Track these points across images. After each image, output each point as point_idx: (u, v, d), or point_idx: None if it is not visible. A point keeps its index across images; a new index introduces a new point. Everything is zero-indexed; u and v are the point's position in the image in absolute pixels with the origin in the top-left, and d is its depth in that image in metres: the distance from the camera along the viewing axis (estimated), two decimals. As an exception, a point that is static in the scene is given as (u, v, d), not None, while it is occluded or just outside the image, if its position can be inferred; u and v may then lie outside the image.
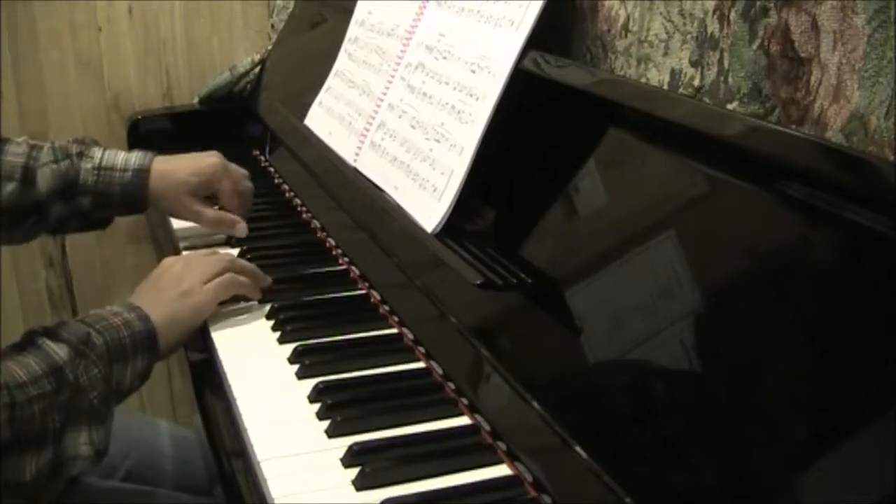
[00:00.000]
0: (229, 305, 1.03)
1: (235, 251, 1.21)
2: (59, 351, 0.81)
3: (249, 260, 1.16)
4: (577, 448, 0.70)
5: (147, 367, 0.90)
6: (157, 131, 1.81)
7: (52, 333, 0.84)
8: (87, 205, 1.19)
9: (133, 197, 1.20)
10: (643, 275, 0.75)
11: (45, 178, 1.16)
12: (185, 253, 1.18)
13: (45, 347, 0.82)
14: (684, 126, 0.76)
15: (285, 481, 0.74)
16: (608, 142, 0.87)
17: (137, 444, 1.19)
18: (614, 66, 1.00)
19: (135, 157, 1.20)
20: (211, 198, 1.26)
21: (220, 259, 1.04)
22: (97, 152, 1.20)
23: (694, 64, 0.88)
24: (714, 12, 0.85)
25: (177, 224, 1.31)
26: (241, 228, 1.23)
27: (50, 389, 0.78)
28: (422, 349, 0.93)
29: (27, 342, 0.83)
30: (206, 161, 1.25)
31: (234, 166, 1.27)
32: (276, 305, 1.03)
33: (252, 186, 1.29)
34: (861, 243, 0.60)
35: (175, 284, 0.98)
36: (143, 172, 1.19)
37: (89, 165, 1.18)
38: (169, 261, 1.04)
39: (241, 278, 1.03)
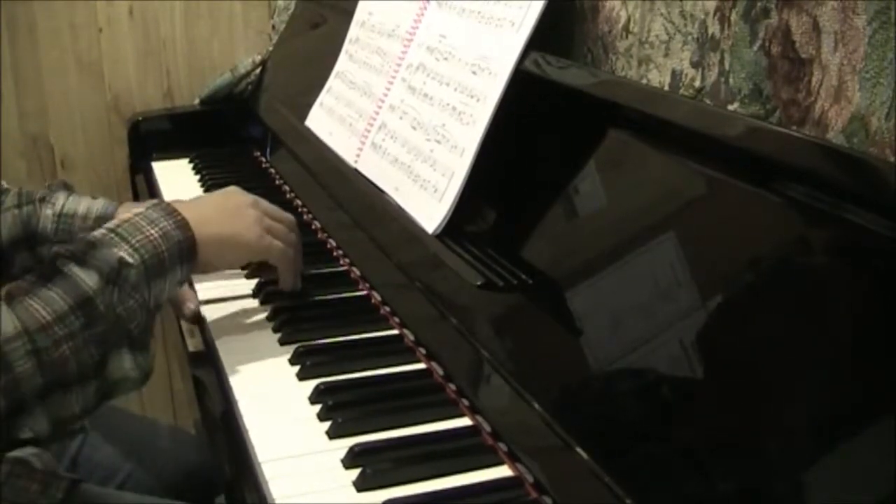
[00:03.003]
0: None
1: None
2: (88, 280, 0.76)
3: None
4: (579, 449, 0.70)
5: (186, 274, 0.87)
6: (158, 132, 1.81)
7: (79, 259, 0.78)
8: (48, 255, 1.13)
9: None
10: (644, 276, 0.75)
11: (6, 224, 1.10)
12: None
13: (72, 276, 0.76)
14: (685, 127, 0.76)
15: (286, 482, 0.74)
16: (609, 143, 0.87)
17: (137, 446, 1.18)
18: (615, 67, 1.00)
19: (98, 206, 1.13)
20: None
21: (289, 230, 1.01)
22: (60, 198, 1.13)
23: (695, 65, 0.88)
24: (715, 13, 0.85)
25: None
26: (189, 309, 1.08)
27: (79, 326, 0.74)
28: (423, 350, 0.93)
29: (52, 270, 0.77)
30: None
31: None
32: (276, 306, 1.03)
33: None
34: (862, 244, 0.60)
35: (236, 213, 0.95)
36: (103, 221, 1.09)
37: (49, 212, 1.11)
38: (240, 192, 1.01)
39: (291, 253, 1.00)
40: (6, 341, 0.70)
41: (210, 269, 0.94)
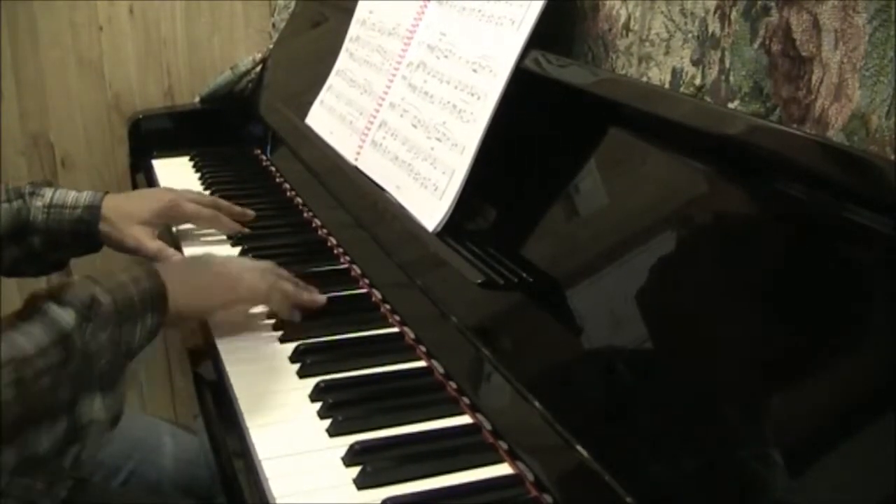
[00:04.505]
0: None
1: (236, 250, 1.21)
2: (66, 316, 0.78)
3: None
4: (579, 447, 0.70)
5: (157, 324, 0.88)
6: (158, 131, 1.81)
7: (57, 297, 0.80)
8: (37, 245, 1.17)
9: (84, 234, 1.19)
10: (644, 274, 0.75)
11: None
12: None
13: (51, 313, 0.78)
14: (685, 125, 0.76)
15: (286, 481, 0.74)
16: (609, 141, 0.87)
17: (139, 445, 1.19)
18: (615, 65, 1.00)
19: (85, 196, 1.19)
20: None
21: (266, 271, 1.00)
22: (48, 191, 1.18)
23: (695, 63, 0.88)
24: (715, 11, 0.85)
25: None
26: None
27: (58, 360, 0.75)
28: (423, 348, 0.93)
29: (32, 308, 0.79)
30: (158, 195, 1.27)
31: (186, 191, 1.30)
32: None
33: (215, 200, 1.30)
34: (861, 242, 0.60)
35: (206, 263, 0.96)
36: (93, 209, 1.18)
37: (39, 203, 1.17)
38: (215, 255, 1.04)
39: (287, 285, 1.00)
40: None
41: (182, 318, 0.94)
